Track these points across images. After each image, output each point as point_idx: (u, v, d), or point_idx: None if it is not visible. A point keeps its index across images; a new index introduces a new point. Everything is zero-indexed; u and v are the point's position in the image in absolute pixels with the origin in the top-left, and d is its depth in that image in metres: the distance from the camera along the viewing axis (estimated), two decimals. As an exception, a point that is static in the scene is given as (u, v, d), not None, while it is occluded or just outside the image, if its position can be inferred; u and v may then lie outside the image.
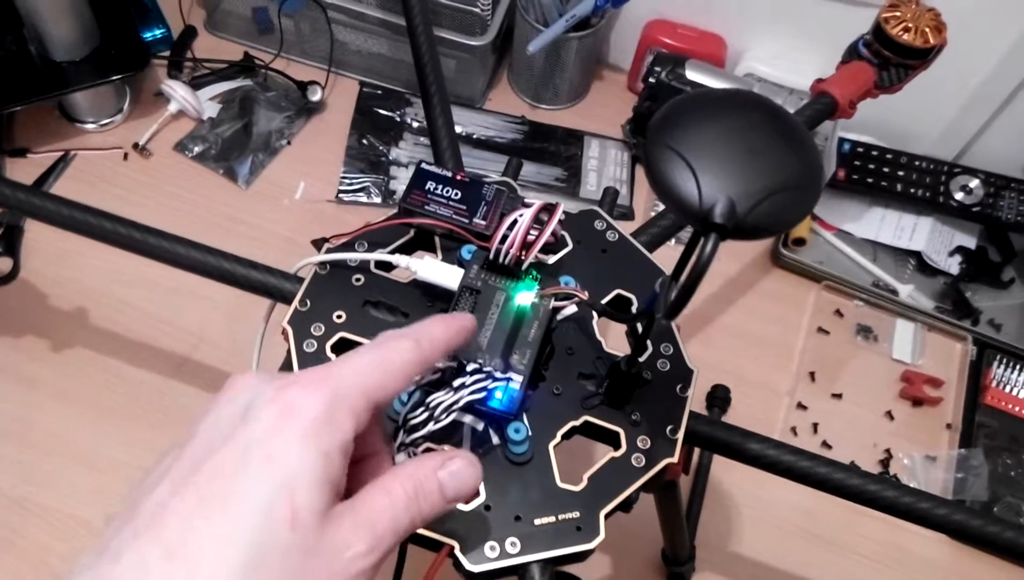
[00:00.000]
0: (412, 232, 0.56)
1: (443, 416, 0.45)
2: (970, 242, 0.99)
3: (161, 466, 0.30)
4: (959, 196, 0.96)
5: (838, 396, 0.88)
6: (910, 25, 0.68)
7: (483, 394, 0.46)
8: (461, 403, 0.45)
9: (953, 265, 0.97)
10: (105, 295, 0.86)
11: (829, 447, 0.85)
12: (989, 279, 0.97)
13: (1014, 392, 0.89)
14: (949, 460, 0.84)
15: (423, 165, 0.56)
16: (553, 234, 0.53)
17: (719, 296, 0.93)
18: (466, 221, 0.54)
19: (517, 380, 0.48)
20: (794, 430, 0.86)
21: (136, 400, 0.81)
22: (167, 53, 1.03)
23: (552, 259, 0.56)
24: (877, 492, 0.51)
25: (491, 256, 0.52)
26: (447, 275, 0.52)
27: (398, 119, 1.02)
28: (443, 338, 0.36)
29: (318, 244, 0.82)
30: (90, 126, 0.97)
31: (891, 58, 0.69)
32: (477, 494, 0.45)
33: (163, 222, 0.91)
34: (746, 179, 0.30)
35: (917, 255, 0.97)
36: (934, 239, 0.98)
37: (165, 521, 0.27)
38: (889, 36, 0.68)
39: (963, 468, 0.83)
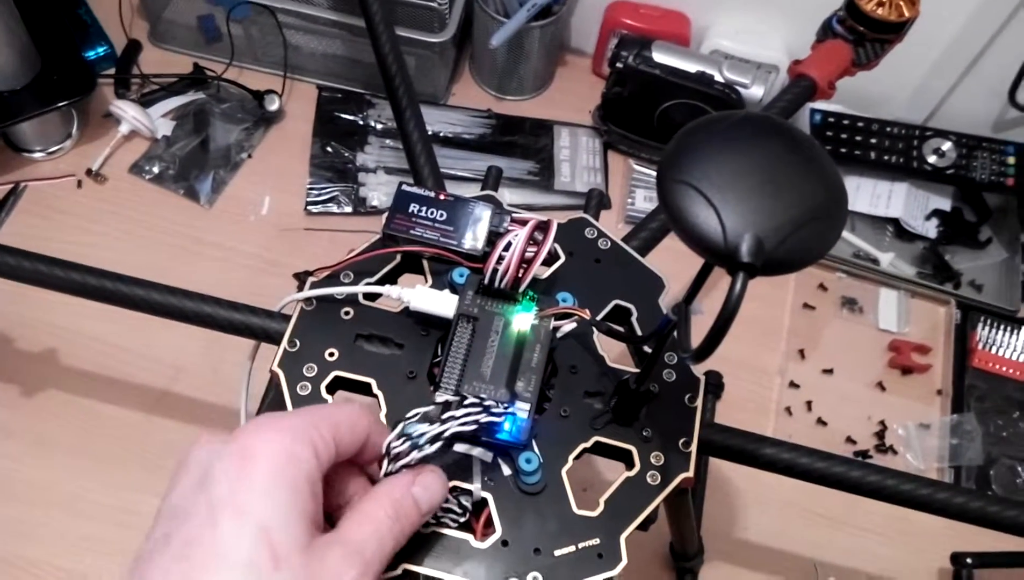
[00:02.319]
0: (399, 257, 0.54)
1: (427, 444, 0.43)
2: (945, 204, 0.99)
3: (144, 550, 0.30)
4: (932, 159, 0.96)
5: (829, 371, 0.88)
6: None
7: (474, 427, 0.44)
8: (448, 433, 0.43)
9: (931, 229, 0.98)
10: (73, 332, 0.83)
11: (824, 424, 0.85)
12: (966, 240, 0.98)
13: (1000, 352, 0.89)
14: (943, 427, 0.85)
15: (404, 187, 0.54)
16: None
17: (679, 274, 0.92)
18: (454, 242, 0.52)
19: (524, 408, 0.47)
20: (789, 410, 0.86)
21: (117, 440, 0.78)
22: (112, 71, 0.98)
23: (546, 273, 0.54)
24: (896, 486, 0.50)
25: (486, 280, 0.50)
26: (441, 303, 0.50)
27: (361, 122, 0.99)
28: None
29: (301, 277, 0.79)
30: (38, 155, 0.93)
31: (866, 34, 0.68)
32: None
33: (126, 250, 0.89)
34: (771, 213, 0.29)
35: (895, 222, 0.97)
36: (910, 204, 0.98)
37: None
38: (864, 12, 0.67)
39: (957, 434, 0.84)
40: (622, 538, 0.46)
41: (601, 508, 0.47)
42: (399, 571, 0.44)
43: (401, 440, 0.40)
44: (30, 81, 0.87)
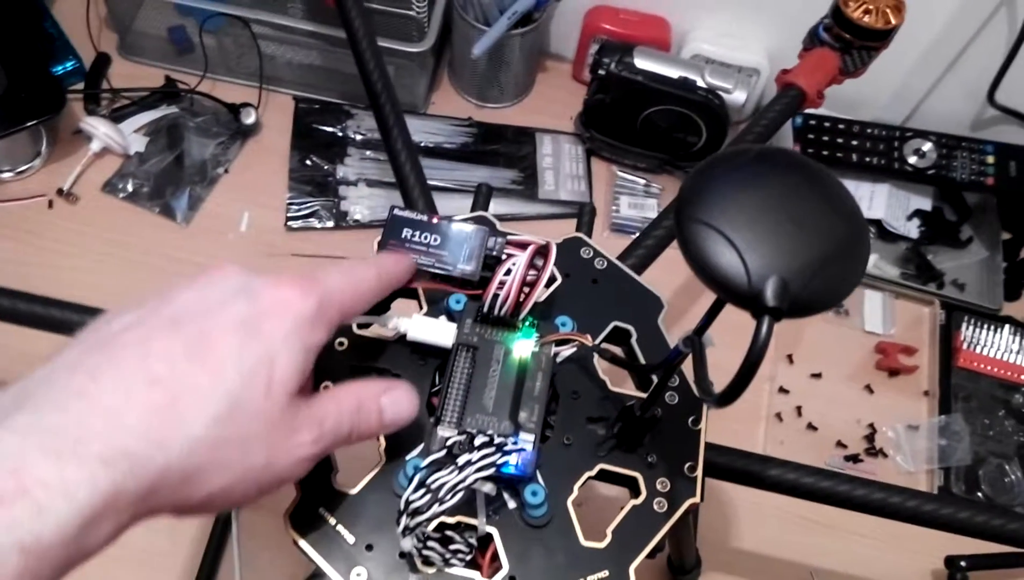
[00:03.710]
0: (392, 284, 0.52)
1: (448, 497, 0.42)
2: (926, 204, 1.00)
3: (128, 315, 0.32)
4: (913, 160, 0.97)
5: (817, 375, 0.89)
6: (870, 7, 0.66)
7: (491, 470, 0.43)
8: (468, 483, 0.42)
9: (912, 229, 0.98)
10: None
11: (815, 429, 0.85)
12: (948, 240, 0.98)
13: (984, 351, 0.90)
14: (931, 428, 0.85)
15: (396, 212, 0.53)
16: (539, 270, 0.50)
17: (688, 287, 0.92)
18: (451, 269, 0.51)
19: (528, 440, 0.46)
20: (779, 416, 0.86)
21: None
22: (81, 86, 0.96)
23: (543, 296, 0.53)
24: (900, 503, 0.50)
25: (485, 308, 0.49)
26: (439, 333, 0.49)
27: (340, 134, 0.97)
28: (396, 271, 0.44)
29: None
30: (6, 175, 0.90)
31: (853, 41, 0.68)
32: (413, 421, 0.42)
33: (101, 271, 0.87)
34: (795, 253, 0.28)
35: (877, 223, 0.98)
36: (892, 205, 0.98)
37: (149, 355, 0.29)
38: (850, 19, 0.66)
39: (945, 434, 0.84)
40: (631, 569, 0.46)
41: (609, 539, 0.46)
42: (405, 613, 0.43)
43: (420, 493, 0.39)
44: (-4, 100, 0.84)
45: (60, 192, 0.89)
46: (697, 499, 0.48)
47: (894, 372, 0.90)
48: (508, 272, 0.48)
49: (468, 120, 1.01)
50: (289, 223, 0.90)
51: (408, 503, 0.40)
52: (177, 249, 0.88)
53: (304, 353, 0.33)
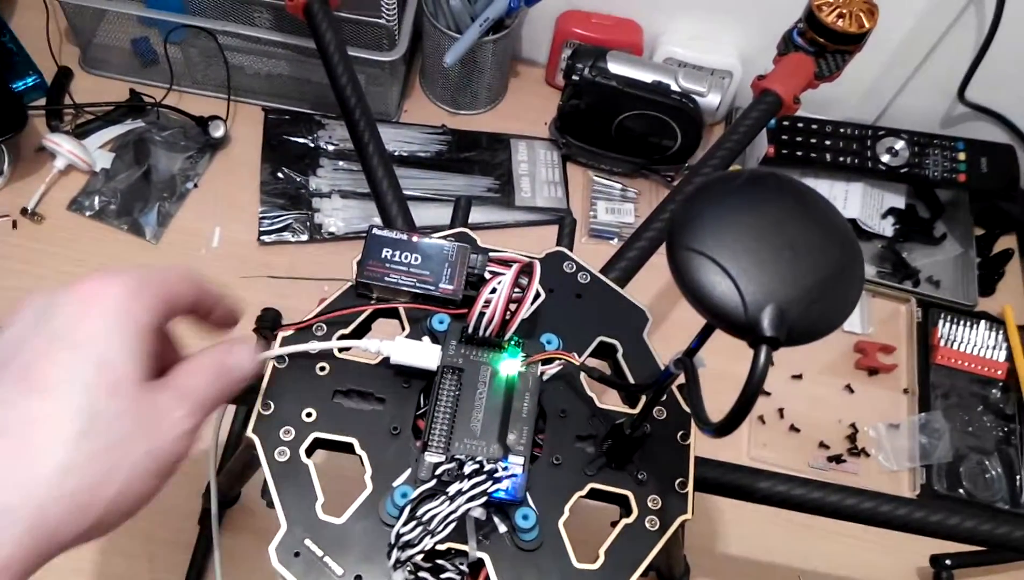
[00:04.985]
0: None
1: (440, 528, 0.41)
2: (899, 202, 1.00)
3: None
4: (886, 158, 0.97)
5: (798, 377, 0.89)
6: (844, 11, 0.66)
7: (482, 499, 0.42)
8: (460, 512, 0.41)
9: (887, 227, 0.99)
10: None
11: (797, 431, 0.85)
12: (922, 237, 0.99)
13: (961, 348, 0.91)
14: (911, 426, 0.86)
15: (375, 230, 0.52)
16: (523, 289, 0.49)
17: (667, 292, 0.92)
18: (432, 288, 0.50)
19: (518, 463, 0.45)
20: (762, 418, 0.86)
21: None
22: (43, 102, 0.93)
23: (528, 313, 0.52)
24: (890, 511, 0.50)
25: (470, 329, 0.48)
26: (423, 355, 0.48)
27: (311, 144, 0.96)
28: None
29: (263, 329, 0.75)
30: (-33, 195, 0.87)
31: (827, 46, 0.68)
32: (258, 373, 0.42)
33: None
34: (792, 281, 0.28)
35: (852, 222, 0.98)
36: (866, 204, 0.99)
37: None
38: (824, 24, 0.66)
39: (926, 432, 0.85)
40: (626, 590, 0.45)
41: (602, 559, 0.46)
42: (397, 644, 0.42)
43: (411, 526, 0.38)
44: (-46, 119, 0.81)
45: (24, 212, 0.87)
46: (689, 515, 0.48)
47: (873, 371, 0.90)
48: (493, 291, 0.47)
49: (441, 128, 1.00)
50: (262, 237, 0.89)
51: (399, 536, 0.39)
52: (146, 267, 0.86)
53: (134, 336, 0.32)
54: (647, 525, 0.47)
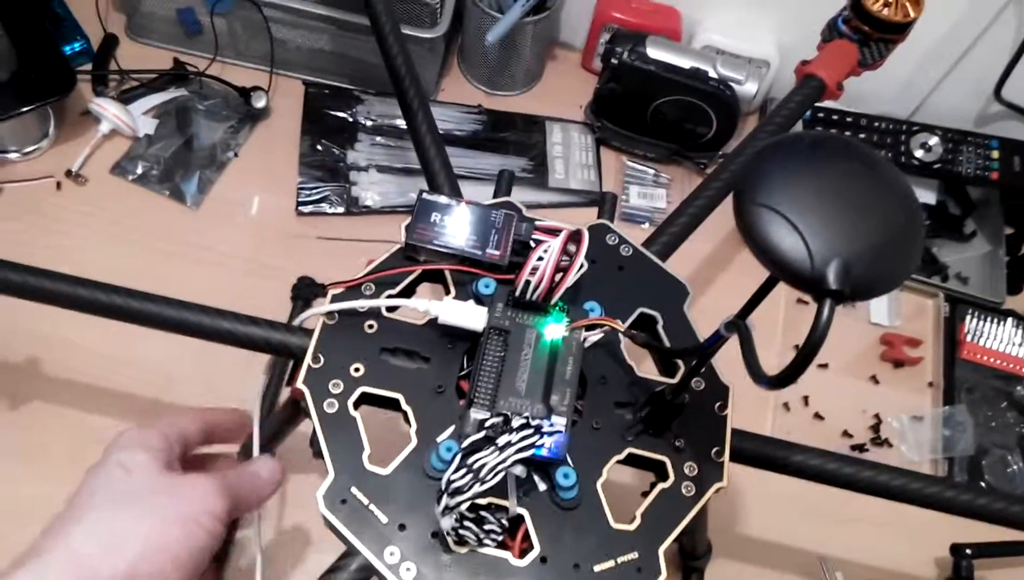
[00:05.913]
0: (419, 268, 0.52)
1: (490, 477, 0.42)
2: (930, 198, 1.01)
3: None
4: (919, 154, 0.97)
5: (824, 366, 0.89)
6: (889, 0, 0.67)
7: (530, 452, 0.43)
8: (508, 463, 0.43)
9: (917, 222, 0.99)
10: (56, 341, 0.79)
11: (822, 418, 0.86)
12: (952, 233, 0.99)
13: (987, 344, 0.91)
14: (935, 419, 0.86)
15: (424, 196, 0.53)
16: (570, 257, 0.50)
17: (695, 278, 0.92)
18: (479, 253, 0.51)
19: (560, 423, 0.46)
20: (786, 405, 0.86)
21: (109, 452, 0.76)
22: (89, 67, 0.94)
23: (573, 278, 0.53)
24: (920, 490, 0.51)
25: (517, 292, 0.49)
26: (471, 317, 0.49)
27: (350, 119, 0.97)
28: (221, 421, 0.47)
29: (298, 296, 0.77)
30: (13, 156, 0.89)
31: (872, 34, 0.68)
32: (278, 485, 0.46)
33: (110, 254, 0.86)
34: (856, 237, 0.29)
35: (883, 216, 0.98)
36: (898, 198, 0.99)
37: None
38: (869, 12, 0.67)
39: (949, 425, 0.86)
40: (661, 551, 0.46)
41: (638, 521, 0.47)
42: (439, 592, 0.43)
43: (461, 473, 0.39)
44: (7, 80, 0.83)
45: (69, 173, 0.88)
46: (724, 483, 0.49)
47: (899, 363, 0.91)
48: (541, 257, 0.48)
49: (478, 108, 1.01)
50: (300, 208, 0.90)
51: (449, 483, 0.40)
52: (187, 232, 0.88)
53: (144, 450, 0.39)
54: (683, 491, 0.48)
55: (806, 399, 0.87)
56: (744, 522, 0.80)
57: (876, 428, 0.87)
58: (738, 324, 0.35)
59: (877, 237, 0.29)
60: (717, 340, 0.39)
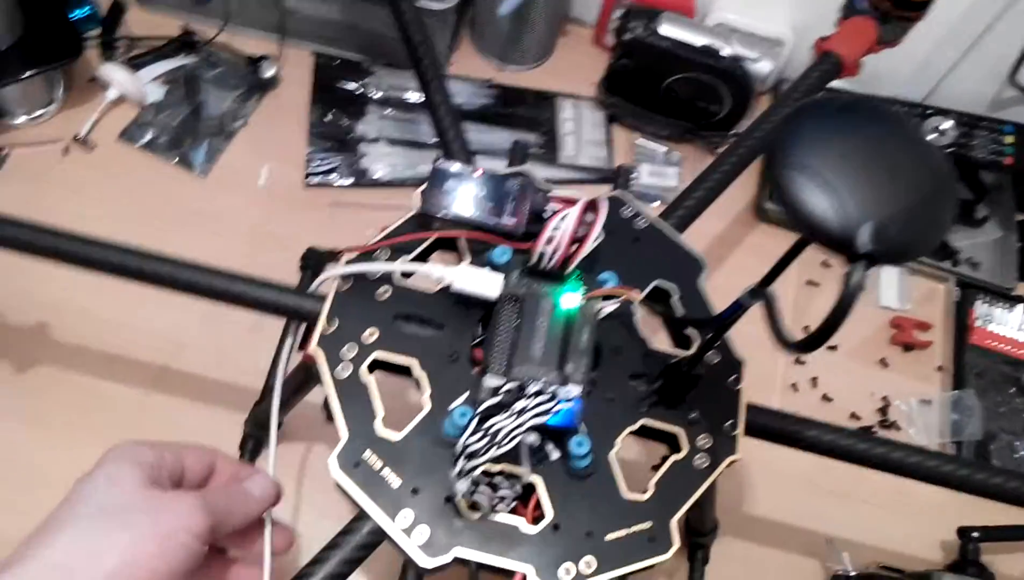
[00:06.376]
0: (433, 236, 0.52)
1: (506, 442, 0.42)
2: (943, 182, 1.00)
3: None
4: (932, 137, 0.97)
5: (833, 348, 0.89)
6: (911, -24, 0.66)
7: (546, 417, 0.43)
8: (524, 428, 0.42)
9: (929, 206, 0.98)
10: (64, 307, 0.79)
11: (830, 400, 0.86)
12: (963, 218, 0.99)
13: (997, 330, 0.91)
14: (944, 403, 0.86)
15: (439, 164, 0.52)
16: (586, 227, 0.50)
17: (706, 256, 0.92)
18: (495, 221, 0.51)
19: (575, 391, 0.46)
20: (794, 386, 0.86)
21: (116, 418, 0.76)
22: (97, 33, 0.94)
23: (590, 248, 0.52)
24: (935, 467, 0.51)
25: (533, 260, 0.48)
26: (486, 283, 0.48)
27: (360, 91, 0.96)
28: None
29: (311, 259, 0.76)
30: (20, 120, 0.88)
31: (891, 10, 0.68)
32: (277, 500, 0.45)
33: (117, 219, 0.86)
34: (889, 200, 0.28)
35: (895, 199, 0.98)
36: (910, 182, 0.98)
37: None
38: (891, -12, 0.66)
39: (958, 409, 0.85)
40: (673, 522, 0.46)
41: (651, 491, 0.46)
42: (450, 559, 0.43)
43: (477, 437, 0.39)
44: (13, 43, 0.82)
45: (76, 139, 0.88)
46: (738, 456, 0.48)
47: (908, 347, 0.90)
48: (557, 227, 0.48)
49: (489, 82, 1.00)
50: (309, 178, 0.89)
51: (465, 446, 0.40)
52: (194, 200, 0.87)
53: (132, 465, 0.38)
54: (696, 463, 0.48)
55: (814, 380, 0.87)
56: (751, 502, 0.80)
57: (884, 411, 0.86)
58: (763, 292, 0.35)
59: (909, 199, 0.28)
60: (737, 309, 0.39)
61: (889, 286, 0.93)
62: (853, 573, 0.73)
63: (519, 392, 0.43)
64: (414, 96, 0.96)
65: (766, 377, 0.87)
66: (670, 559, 0.46)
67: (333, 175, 0.90)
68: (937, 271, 0.95)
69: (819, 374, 0.87)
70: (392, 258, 0.51)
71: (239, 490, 0.42)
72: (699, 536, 0.74)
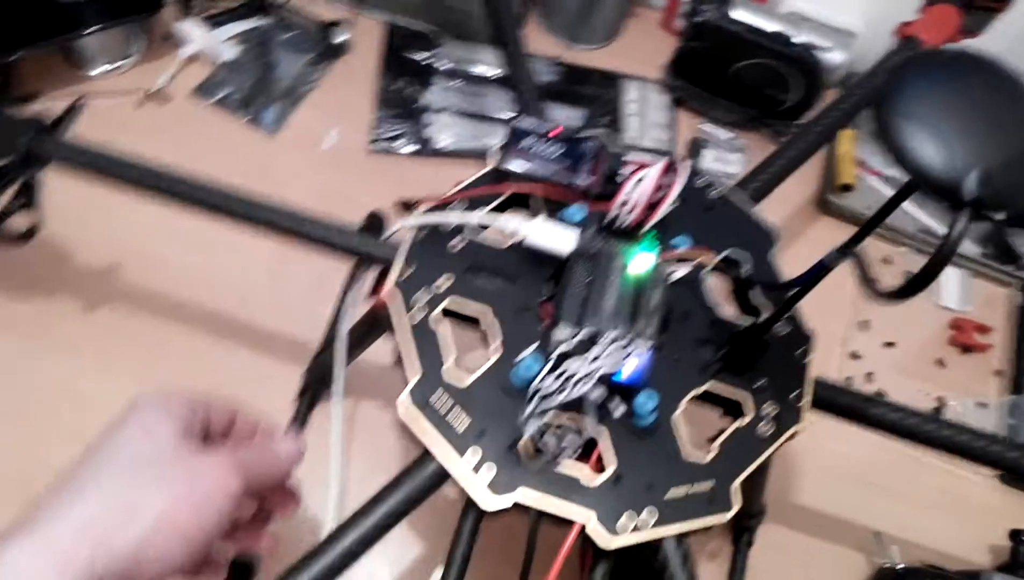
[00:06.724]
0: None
1: (577, 388, 0.43)
2: (1011, 186, 0.98)
3: None
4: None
5: (891, 344, 0.88)
6: (1001, -36, 0.65)
7: (618, 367, 0.43)
8: (596, 376, 0.43)
9: (996, 209, 0.96)
10: (137, 251, 0.81)
11: (883, 395, 0.85)
12: (1031, 223, 0.97)
13: (1060, 337, 0.89)
14: (1000, 407, 0.85)
15: (517, 123, 0.53)
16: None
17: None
18: (571, 180, 0.51)
19: (646, 346, 0.46)
20: (849, 379, 0.85)
21: (181, 363, 0.77)
22: (176, -10, 0.96)
23: (667, 209, 0.52)
24: (1001, 452, 0.50)
25: (609, 219, 0.49)
26: (560, 238, 0.49)
27: (428, 62, 0.97)
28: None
29: (373, 222, 0.77)
30: (98, 71, 0.90)
31: (976, 1, 0.67)
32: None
33: (189, 172, 0.88)
34: (997, 149, 0.28)
35: (961, 200, 0.96)
36: (977, 183, 0.96)
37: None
38: (979, -25, 0.65)
39: (1015, 415, 0.84)
40: (734, 486, 0.46)
41: (713, 454, 0.47)
42: (513, 500, 0.44)
43: (550, 381, 0.40)
44: (97, -6, 0.84)
45: (151, 92, 0.90)
46: (803, 425, 0.48)
47: (967, 349, 0.89)
48: (637, 183, 0.48)
49: (556, 60, 1.00)
50: (373, 144, 0.91)
51: (537, 390, 0.41)
52: (263, 158, 0.89)
53: (167, 417, 0.38)
54: (760, 430, 0.48)
55: (869, 375, 0.86)
56: (797, 491, 0.79)
57: (938, 411, 0.85)
58: (852, 251, 0.35)
59: (1016, 150, 0.28)
60: (821, 269, 0.38)
61: (951, 287, 0.92)
62: (901, 566, 0.72)
63: (591, 342, 0.43)
64: (481, 69, 0.97)
65: (821, 369, 0.84)
66: (726, 523, 0.46)
67: (398, 142, 0.91)
68: (1001, 275, 0.93)
69: (875, 369, 0.86)
70: (467, 211, 0.52)
71: (270, 452, 0.41)
72: (747, 517, 0.73)
